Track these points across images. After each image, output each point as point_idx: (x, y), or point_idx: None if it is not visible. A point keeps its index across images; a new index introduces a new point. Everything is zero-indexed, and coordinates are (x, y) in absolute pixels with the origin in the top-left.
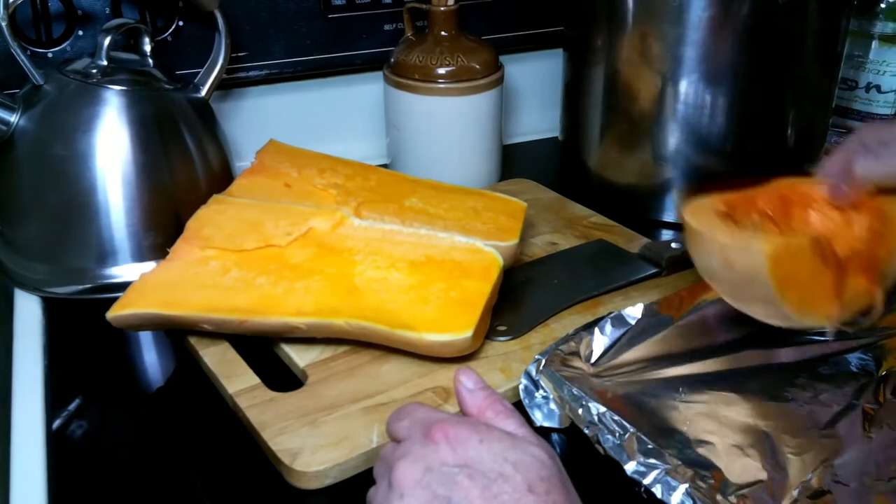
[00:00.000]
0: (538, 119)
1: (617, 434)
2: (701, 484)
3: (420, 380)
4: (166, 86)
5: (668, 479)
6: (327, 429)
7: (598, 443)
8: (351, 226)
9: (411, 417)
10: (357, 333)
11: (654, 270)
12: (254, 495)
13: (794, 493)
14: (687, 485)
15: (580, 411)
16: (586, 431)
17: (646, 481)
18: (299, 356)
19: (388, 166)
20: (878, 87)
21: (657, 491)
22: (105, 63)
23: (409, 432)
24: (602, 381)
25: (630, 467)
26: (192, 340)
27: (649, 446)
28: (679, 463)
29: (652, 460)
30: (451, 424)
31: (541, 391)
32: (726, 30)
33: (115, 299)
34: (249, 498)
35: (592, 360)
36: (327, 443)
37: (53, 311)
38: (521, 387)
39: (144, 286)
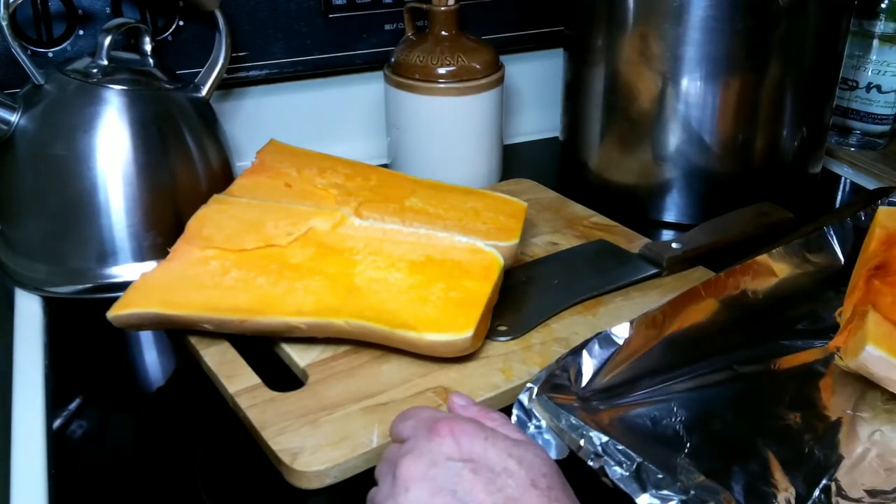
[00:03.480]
0: (538, 119)
1: (624, 465)
2: None
3: (420, 380)
4: (167, 85)
5: None
6: (327, 429)
7: (605, 475)
8: (351, 226)
9: (416, 418)
10: (357, 333)
11: (654, 270)
12: (254, 495)
13: None
14: None
15: (582, 442)
16: (591, 464)
17: None
18: (300, 356)
19: (388, 166)
20: (878, 87)
21: None
22: (105, 63)
23: (415, 430)
24: (595, 405)
25: (643, 501)
26: (193, 340)
27: (659, 476)
28: (693, 492)
29: (665, 491)
30: (457, 421)
31: (534, 421)
32: (726, 30)
33: (115, 299)
34: (249, 498)
35: (583, 383)
36: (327, 443)
37: (54, 311)
38: (513, 418)
39: (145, 286)
